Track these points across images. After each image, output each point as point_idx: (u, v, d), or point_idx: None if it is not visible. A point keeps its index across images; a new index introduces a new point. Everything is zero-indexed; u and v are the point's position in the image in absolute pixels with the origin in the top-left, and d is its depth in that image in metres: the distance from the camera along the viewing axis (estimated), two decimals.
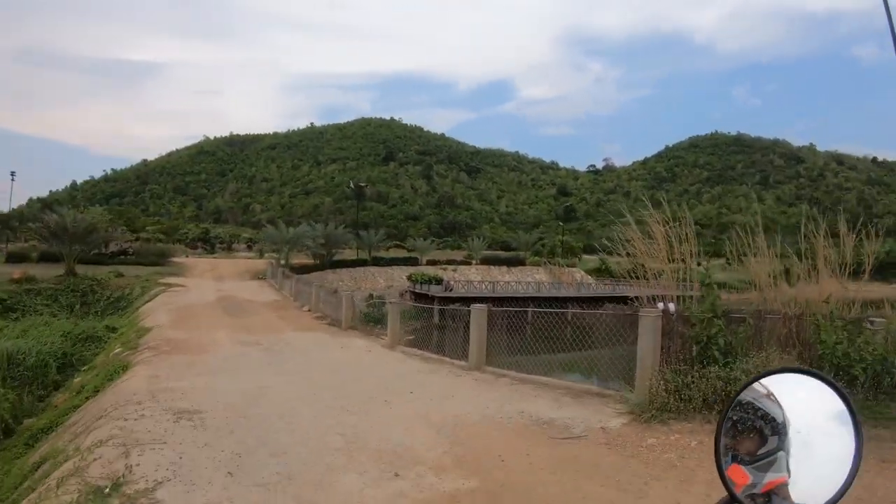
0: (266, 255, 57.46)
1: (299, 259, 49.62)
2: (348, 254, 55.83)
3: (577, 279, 57.61)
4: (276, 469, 5.04)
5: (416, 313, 24.29)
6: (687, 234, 8.46)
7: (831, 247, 8.30)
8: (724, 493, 1.31)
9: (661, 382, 6.81)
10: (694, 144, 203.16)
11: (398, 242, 79.92)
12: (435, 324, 33.07)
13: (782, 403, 1.35)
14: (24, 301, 28.50)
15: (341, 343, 14.02)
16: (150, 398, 7.90)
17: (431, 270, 50.77)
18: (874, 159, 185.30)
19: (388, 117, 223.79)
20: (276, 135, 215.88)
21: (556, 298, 44.69)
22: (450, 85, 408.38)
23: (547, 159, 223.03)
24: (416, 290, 43.63)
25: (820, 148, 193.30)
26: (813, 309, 7.88)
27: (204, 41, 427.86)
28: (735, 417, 1.39)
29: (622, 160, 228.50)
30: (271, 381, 9.13)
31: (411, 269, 51.20)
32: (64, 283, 32.91)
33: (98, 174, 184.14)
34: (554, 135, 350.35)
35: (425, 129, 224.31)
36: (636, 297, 8.74)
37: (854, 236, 8.23)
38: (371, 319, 20.33)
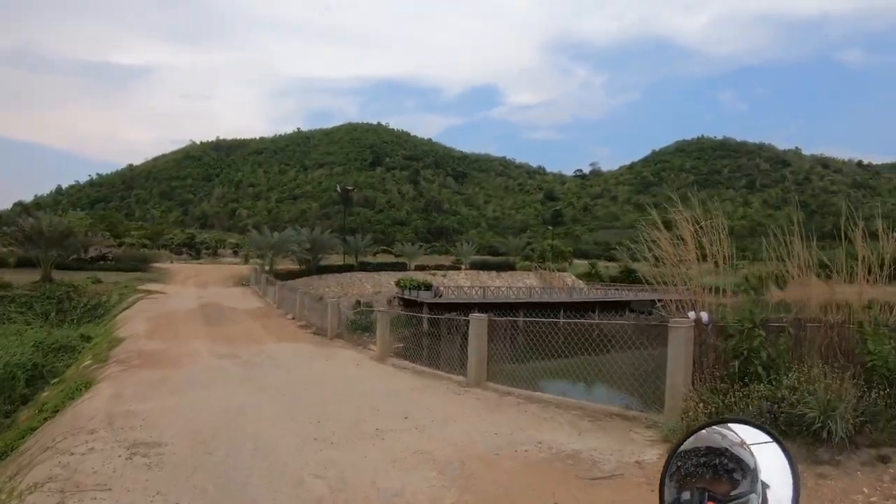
0: (251, 260, 56.20)
1: (285, 265, 48.54)
2: (335, 259, 54.82)
3: (568, 284, 56.81)
4: None
5: (405, 320, 23.31)
6: (719, 234, 7.52)
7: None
8: None
9: (699, 404, 5.86)
10: (680, 149, 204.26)
11: (385, 248, 78.81)
12: (424, 331, 32.10)
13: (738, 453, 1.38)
14: None
15: (327, 354, 12.98)
16: (107, 425, 6.87)
17: (420, 276, 49.78)
18: (860, 162, 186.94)
19: (375, 122, 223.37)
20: (262, 139, 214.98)
21: (549, 304, 43.99)
22: (437, 90, 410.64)
23: (534, 164, 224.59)
24: (405, 297, 42.68)
25: (805, 152, 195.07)
26: (855, 315, 7.01)
27: (193, 45, 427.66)
28: (680, 464, 1.42)
29: (609, 165, 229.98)
30: (248, 400, 8.11)
31: (399, 275, 50.22)
32: (39, 289, 31.64)
33: (85, 179, 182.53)
34: (541, 139, 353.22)
35: (412, 133, 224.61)
36: (661, 304, 7.79)
37: (893, 236, 7.35)
38: (358, 327, 19.37)
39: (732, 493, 1.32)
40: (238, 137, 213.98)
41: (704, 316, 6.87)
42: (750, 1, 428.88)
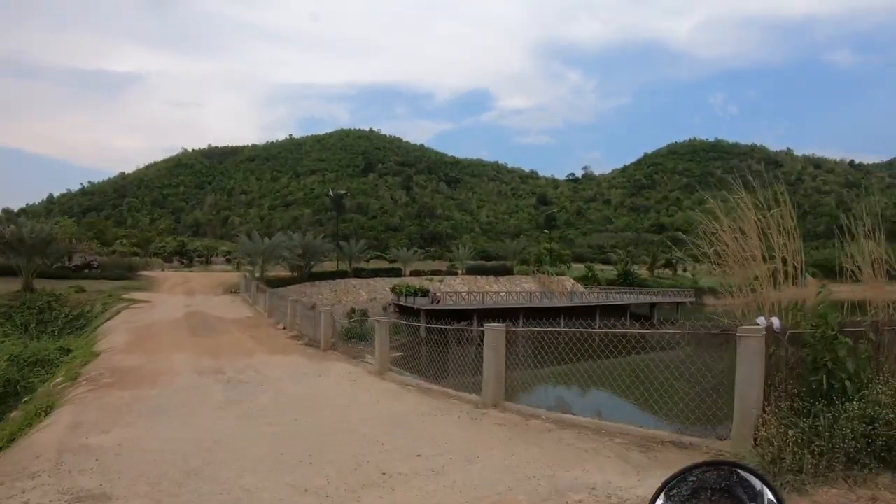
0: (242, 267, 54.78)
1: (277, 272, 47.19)
2: (328, 266, 53.51)
3: (567, 288, 55.65)
4: None
5: (405, 328, 22.14)
6: (787, 224, 6.36)
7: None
8: None
9: (781, 429, 4.67)
10: (672, 151, 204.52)
11: (379, 253, 77.56)
12: (423, 339, 30.92)
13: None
14: None
15: (320, 370, 11.73)
16: (53, 466, 5.64)
17: (416, 282, 48.44)
18: (851, 162, 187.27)
19: (367, 128, 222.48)
20: (254, 146, 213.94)
21: (550, 309, 42.87)
22: (428, 96, 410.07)
23: (526, 168, 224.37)
24: (401, 303, 41.43)
25: (797, 152, 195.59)
26: None
27: (183, 53, 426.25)
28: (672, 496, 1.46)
29: (601, 168, 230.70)
30: (227, 431, 6.86)
31: (394, 281, 48.95)
32: (20, 299, 30.24)
33: (77, 187, 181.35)
34: (533, 144, 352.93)
35: (404, 139, 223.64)
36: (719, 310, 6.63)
37: None
38: (353, 336, 18.14)
39: None
40: (230, 145, 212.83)
41: (776, 322, 5.68)
42: (736, 4, 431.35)
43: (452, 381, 9.85)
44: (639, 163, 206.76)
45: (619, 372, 9.63)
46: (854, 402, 4.68)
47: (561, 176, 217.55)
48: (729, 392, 5.73)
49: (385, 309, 40.80)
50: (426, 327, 22.89)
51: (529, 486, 4.69)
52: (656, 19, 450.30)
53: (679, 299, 53.30)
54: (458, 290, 47.59)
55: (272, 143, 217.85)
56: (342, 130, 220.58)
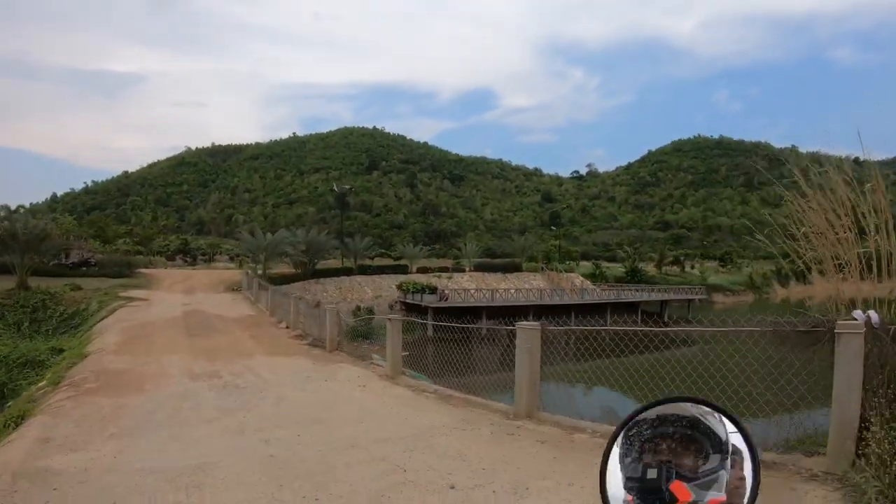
0: (245, 265, 53.79)
1: (280, 269, 46.23)
2: (333, 263, 52.57)
3: (577, 285, 54.55)
4: None
5: (413, 326, 21.08)
6: (880, 202, 5.29)
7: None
8: None
9: (887, 442, 3.68)
10: (677, 148, 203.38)
11: (384, 251, 76.54)
12: (429, 337, 29.92)
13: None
14: None
15: (326, 373, 10.63)
16: (6, 496, 4.58)
17: (423, 279, 47.39)
18: (856, 159, 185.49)
19: (370, 126, 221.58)
20: (258, 145, 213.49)
21: (561, 306, 41.79)
22: (431, 94, 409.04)
23: (530, 166, 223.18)
24: (408, 301, 40.39)
25: (801, 149, 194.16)
26: None
27: (185, 53, 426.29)
28: (636, 433, 1.32)
29: (606, 166, 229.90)
30: (218, 451, 5.74)
31: (400, 278, 47.95)
32: (13, 297, 29.23)
33: (80, 186, 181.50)
34: (537, 142, 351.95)
35: (408, 137, 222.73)
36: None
37: None
38: (359, 335, 17.06)
39: (701, 470, 1.20)
40: (233, 143, 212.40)
41: (874, 316, 4.63)
42: (738, 1, 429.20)
43: (465, 381, 8.83)
44: (643, 160, 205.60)
45: (671, 372, 8.55)
46: None
47: (565, 174, 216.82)
48: (819, 400, 4.76)
49: (391, 307, 39.76)
50: (442, 325, 21.90)
51: None
52: (658, 17, 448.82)
53: (690, 296, 52.23)
54: (466, 286, 46.59)
55: (276, 141, 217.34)
56: (346, 128, 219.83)
